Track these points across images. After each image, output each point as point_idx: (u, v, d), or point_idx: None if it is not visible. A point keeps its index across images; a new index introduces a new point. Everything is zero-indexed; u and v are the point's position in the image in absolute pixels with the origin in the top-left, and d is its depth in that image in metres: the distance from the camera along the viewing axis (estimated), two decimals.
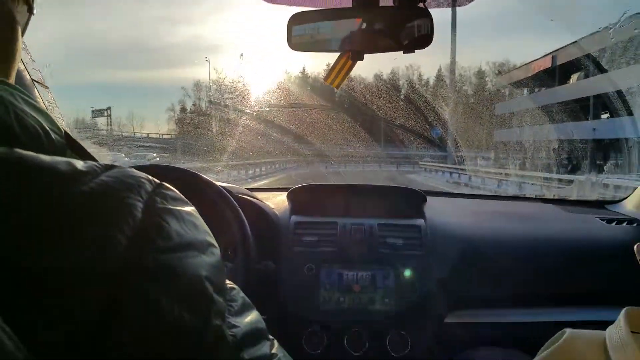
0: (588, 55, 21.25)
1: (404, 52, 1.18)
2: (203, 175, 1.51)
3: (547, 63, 26.55)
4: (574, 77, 24.81)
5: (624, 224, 1.86)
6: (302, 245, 1.67)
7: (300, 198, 1.86)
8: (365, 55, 1.21)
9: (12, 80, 0.55)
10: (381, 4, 1.14)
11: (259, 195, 1.83)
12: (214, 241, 0.49)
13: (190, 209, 0.49)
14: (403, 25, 1.19)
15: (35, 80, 1.26)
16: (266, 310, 0.77)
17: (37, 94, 1.25)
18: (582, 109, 22.80)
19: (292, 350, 0.64)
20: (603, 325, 0.77)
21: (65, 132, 0.53)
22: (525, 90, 31.94)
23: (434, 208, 1.86)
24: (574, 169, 17.47)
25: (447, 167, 22.71)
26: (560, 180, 13.80)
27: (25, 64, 1.21)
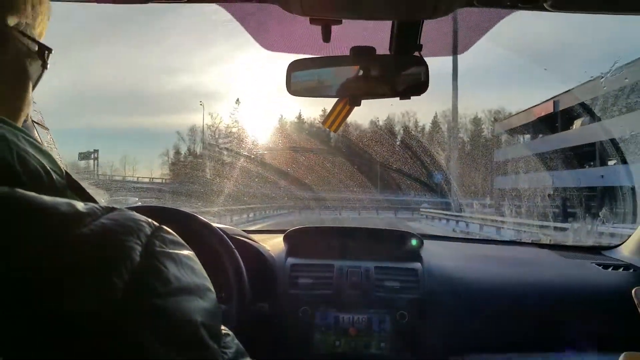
0: (582, 104, 21.59)
1: (400, 99, 1.21)
2: (200, 217, 1.52)
3: (548, 108, 26.44)
4: (577, 123, 24.76)
5: (621, 270, 1.86)
6: (298, 287, 1.66)
7: (296, 240, 1.86)
8: (363, 101, 1.24)
9: (18, 124, 0.57)
10: (378, 52, 1.18)
11: (255, 237, 1.83)
12: (211, 286, 0.49)
13: (188, 252, 0.49)
14: (399, 72, 1.24)
15: (35, 122, 1.29)
16: (260, 353, 0.76)
17: (37, 135, 1.27)
18: (585, 155, 22.94)
19: None
20: None
21: (66, 172, 0.54)
22: (526, 137, 32.19)
23: (431, 251, 1.86)
24: (579, 215, 17.45)
25: (452, 215, 21.48)
26: (562, 229, 13.65)
27: None
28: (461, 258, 1.97)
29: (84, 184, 0.58)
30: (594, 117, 20.53)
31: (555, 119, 25.69)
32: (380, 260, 1.75)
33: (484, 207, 25.35)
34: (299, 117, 49.77)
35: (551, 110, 25.75)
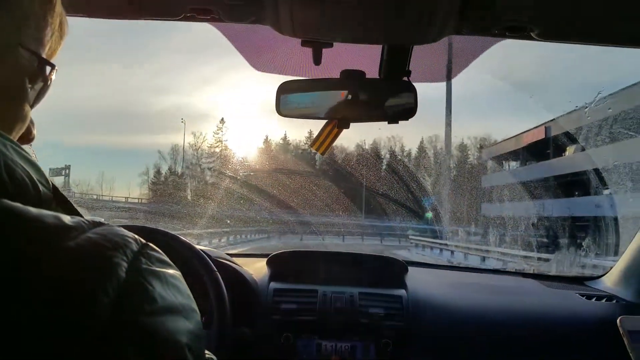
0: (567, 133, 21.82)
1: (388, 123, 1.22)
2: (182, 237, 1.49)
3: (534, 137, 26.14)
4: (561, 152, 24.66)
5: (604, 300, 1.87)
6: (280, 313, 1.63)
7: (280, 264, 1.84)
8: (351, 124, 1.24)
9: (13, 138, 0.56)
10: (368, 76, 1.19)
11: (238, 260, 1.80)
12: (195, 306, 0.48)
13: (174, 272, 0.48)
14: (388, 97, 1.24)
15: None
16: None
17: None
18: (569, 184, 23.08)
19: None
20: None
21: (53, 185, 0.53)
22: (511, 164, 32.40)
23: (416, 278, 1.84)
24: (562, 245, 17.54)
25: (444, 244, 20.22)
26: (546, 259, 13.64)
27: None
28: (446, 286, 1.96)
29: None
30: (578, 147, 20.81)
31: (541, 148, 25.90)
32: (365, 286, 1.73)
33: (469, 235, 25.29)
34: (285, 138, 49.93)
35: (537, 138, 25.90)
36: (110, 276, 0.40)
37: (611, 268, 2.08)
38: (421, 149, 50.80)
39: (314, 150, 1.31)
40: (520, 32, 1.01)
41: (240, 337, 1.47)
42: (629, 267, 1.92)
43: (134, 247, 0.45)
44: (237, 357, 1.43)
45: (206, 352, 0.51)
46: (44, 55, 0.58)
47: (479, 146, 46.51)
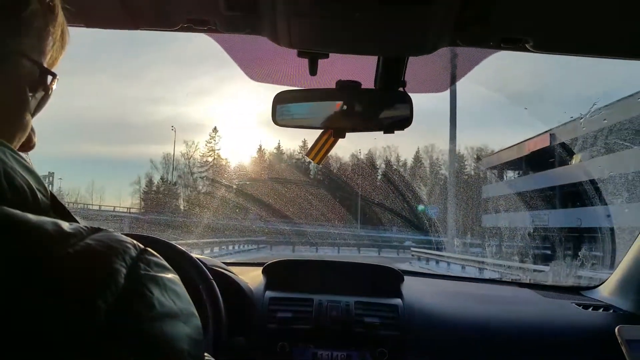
0: (563, 144, 21.67)
1: (384, 133, 1.22)
2: (178, 245, 1.49)
3: (545, 142, 24.82)
4: (577, 158, 23.61)
5: (600, 310, 1.87)
6: (276, 322, 1.63)
7: (275, 273, 1.84)
8: (346, 134, 1.25)
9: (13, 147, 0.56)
10: (363, 86, 1.20)
11: (234, 269, 1.80)
12: (194, 310, 0.49)
13: (172, 276, 0.48)
14: (383, 107, 1.25)
15: None
16: None
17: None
18: (566, 195, 22.83)
19: None
20: None
21: (51, 194, 0.53)
22: (509, 175, 32.07)
23: (412, 288, 1.84)
24: (559, 256, 17.36)
25: (451, 258, 18.90)
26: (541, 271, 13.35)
27: None
28: (442, 295, 1.96)
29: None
30: (573, 158, 20.74)
31: (543, 157, 25.73)
32: (361, 295, 1.73)
33: (469, 246, 24.91)
34: (278, 147, 49.89)
35: (541, 146, 25.60)
36: (109, 283, 0.40)
37: (608, 277, 2.09)
38: (417, 158, 50.91)
39: (309, 160, 1.32)
40: (515, 43, 1.02)
41: (236, 346, 1.46)
42: (626, 277, 1.93)
43: (133, 252, 0.45)
44: None
45: (205, 355, 0.51)
46: (45, 65, 0.59)
47: (475, 156, 46.57)
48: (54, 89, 0.61)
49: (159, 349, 0.41)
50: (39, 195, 0.49)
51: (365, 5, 0.85)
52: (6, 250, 0.39)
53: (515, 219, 23.59)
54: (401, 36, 0.99)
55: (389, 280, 1.84)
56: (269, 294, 1.72)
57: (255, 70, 1.38)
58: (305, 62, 1.10)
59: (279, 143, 50.15)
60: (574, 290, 2.19)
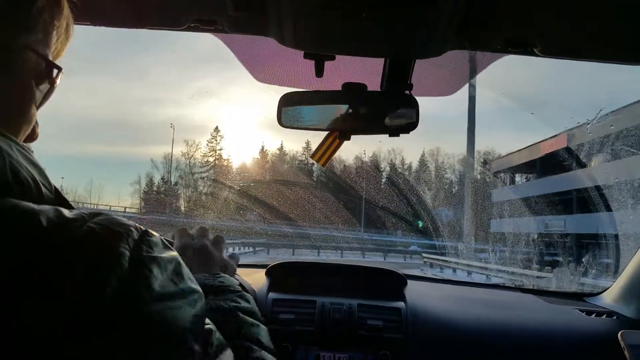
0: (568, 149, 21.35)
1: (389, 136, 1.22)
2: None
3: (562, 142, 23.33)
4: (595, 160, 23.07)
5: (604, 317, 1.86)
6: (279, 323, 1.62)
7: (279, 275, 1.83)
8: (351, 137, 1.25)
9: (18, 140, 0.57)
10: (369, 89, 1.19)
11: (237, 270, 1.79)
12: (196, 286, 0.50)
13: (173, 254, 0.49)
14: (389, 110, 1.25)
15: None
16: None
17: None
18: (571, 201, 22.50)
19: None
20: None
21: (55, 188, 0.54)
22: (517, 179, 31.62)
23: (415, 291, 1.84)
24: (563, 262, 17.08)
25: (468, 266, 17.93)
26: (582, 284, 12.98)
27: None
28: (445, 299, 1.96)
29: None
30: (579, 163, 20.51)
31: (543, 163, 25.41)
32: (364, 298, 1.72)
33: (475, 252, 24.46)
34: (281, 149, 49.80)
35: (540, 154, 25.31)
36: (113, 266, 0.41)
37: (612, 283, 2.08)
38: (422, 162, 50.77)
39: (314, 162, 1.32)
40: (522, 47, 1.02)
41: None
42: (630, 283, 1.92)
43: (135, 235, 0.46)
44: None
45: (206, 321, 0.52)
46: (50, 57, 0.59)
47: (482, 160, 46.23)
48: (58, 82, 0.61)
49: (161, 329, 0.42)
50: (43, 189, 0.50)
51: (372, 7, 0.85)
52: (12, 237, 0.39)
53: (527, 223, 23.17)
54: (407, 39, 0.99)
55: (392, 283, 1.84)
56: (272, 295, 1.72)
57: (261, 72, 1.38)
58: (311, 64, 1.10)
59: (281, 144, 50.16)
60: (578, 297, 2.18)
